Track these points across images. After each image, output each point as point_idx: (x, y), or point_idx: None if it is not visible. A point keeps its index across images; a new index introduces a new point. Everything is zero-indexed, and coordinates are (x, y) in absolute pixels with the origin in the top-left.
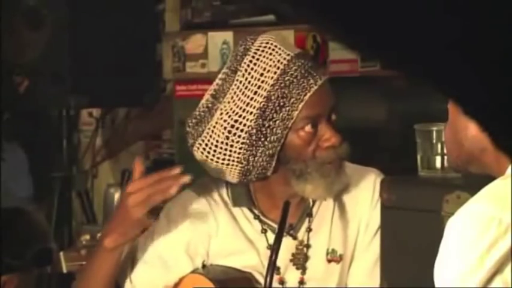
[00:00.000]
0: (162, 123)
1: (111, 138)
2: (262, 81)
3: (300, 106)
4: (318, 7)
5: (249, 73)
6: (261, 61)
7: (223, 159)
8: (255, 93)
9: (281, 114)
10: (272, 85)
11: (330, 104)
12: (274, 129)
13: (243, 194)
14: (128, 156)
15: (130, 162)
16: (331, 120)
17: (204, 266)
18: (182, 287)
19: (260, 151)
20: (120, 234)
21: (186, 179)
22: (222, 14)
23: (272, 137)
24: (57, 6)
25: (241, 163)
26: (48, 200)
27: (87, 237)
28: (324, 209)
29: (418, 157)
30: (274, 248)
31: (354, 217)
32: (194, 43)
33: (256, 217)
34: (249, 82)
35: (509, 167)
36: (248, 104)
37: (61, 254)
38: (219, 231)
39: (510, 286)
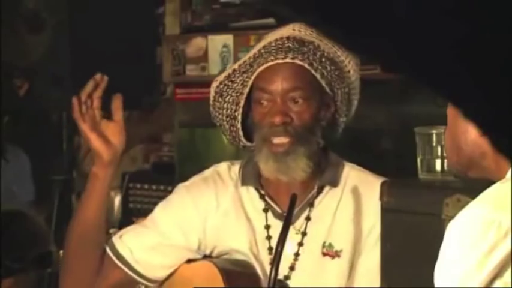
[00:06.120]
0: (162, 126)
1: None
2: (254, 48)
3: (253, 76)
4: (318, 10)
5: (261, 39)
6: (271, 34)
7: (211, 115)
8: (244, 57)
9: (240, 78)
10: (254, 53)
11: (285, 85)
12: (230, 91)
13: (252, 174)
14: (127, 159)
15: (130, 166)
16: (287, 101)
17: (210, 256)
18: (191, 273)
19: (218, 106)
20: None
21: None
22: (222, 17)
23: (228, 98)
24: (57, 10)
25: (214, 119)
26: (48, 203)
27: None
28: (328, 203)
29: (418, 160)
30: (281, 239)
31: (359, 218)
32: (194, 46)
33: (261, 197)
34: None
35: (509, 171)
36: (234, 64)
37: (61, 252)
38: (220, 208)
39: None
